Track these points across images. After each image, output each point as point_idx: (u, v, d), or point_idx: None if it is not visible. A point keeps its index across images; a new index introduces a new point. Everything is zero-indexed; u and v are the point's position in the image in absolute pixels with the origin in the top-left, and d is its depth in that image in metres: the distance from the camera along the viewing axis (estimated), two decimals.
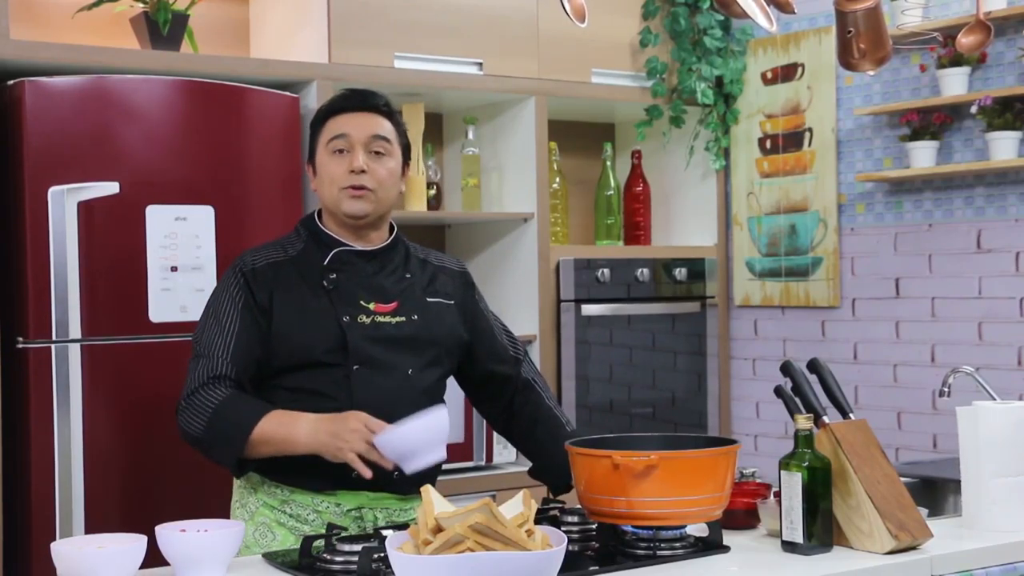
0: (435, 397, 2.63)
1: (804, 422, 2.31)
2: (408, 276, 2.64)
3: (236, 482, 2.65)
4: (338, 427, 2.39)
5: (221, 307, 2.55)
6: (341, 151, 2.56)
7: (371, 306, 2.56)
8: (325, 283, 2.56)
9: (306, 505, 2.54)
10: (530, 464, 2.76)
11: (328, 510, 2.53)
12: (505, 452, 4.15)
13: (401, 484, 2.52)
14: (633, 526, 2.27)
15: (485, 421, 4.03)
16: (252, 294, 2.53)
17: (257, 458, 2.48)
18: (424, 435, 2.39)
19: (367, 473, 2.37)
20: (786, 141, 4.53)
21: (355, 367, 2.52)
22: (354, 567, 2.11)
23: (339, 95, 2.65)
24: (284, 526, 2.54)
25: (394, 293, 2.60)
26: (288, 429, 2.43)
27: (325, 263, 2.57)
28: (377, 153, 2.57)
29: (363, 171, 2.54)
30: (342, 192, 2.55)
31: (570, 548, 2.06)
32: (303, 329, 2.52)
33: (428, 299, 2.65)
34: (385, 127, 2.59)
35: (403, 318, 2.58)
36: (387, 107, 2.63)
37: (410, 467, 2.38)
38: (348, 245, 2.60)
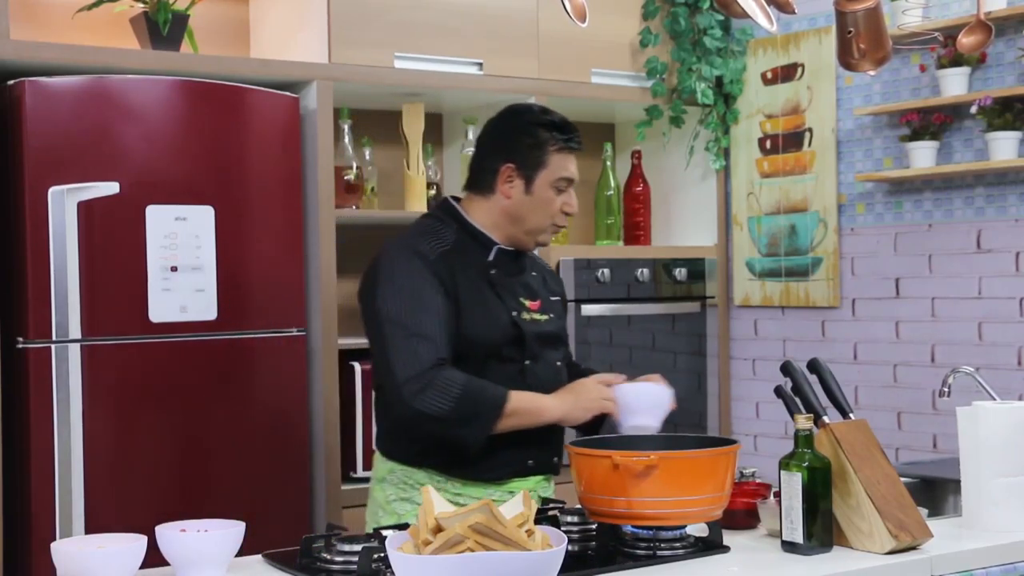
0: None
1: (804, 422, 2.31)
2: (535, 274, 2.77)
3: (380, 482, 2.67)
4: (580, 387, 2.59)
5: (421, 289, 2.56)
6: (561, 189, 2.68)
7: (526, 303, 2.68)
8: (491, 279, 2.64)
9: (479, 498, 2.54)
10: None
11: (502, 500, 2.54)
12: None
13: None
14: (633, 526, 2.27)
15: None
16: (442, 281, 2.57)
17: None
18: (650, 399, 2.57)
19: (613, 408, 2.57)
20: (786, 141, 4.53)
21: (527, 362, 2.63)
22: (354, 567, 2.11)
23: (567, 128, 2.70)
24: None
25: (536, 291, 2.73)
26: (537, 401, 2.57)
27: (490, 259, 2.66)
28: None
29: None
30: (550, 226, 2.69)
31: (570, 548, 2.05)
32: (484, 322, 2.59)
33: (552, 297, 2.79)
34: None
35: (546, 316, 2.71)
36: None
37: (628, 423, 2.55)
38: (500, 243, 2.70)
